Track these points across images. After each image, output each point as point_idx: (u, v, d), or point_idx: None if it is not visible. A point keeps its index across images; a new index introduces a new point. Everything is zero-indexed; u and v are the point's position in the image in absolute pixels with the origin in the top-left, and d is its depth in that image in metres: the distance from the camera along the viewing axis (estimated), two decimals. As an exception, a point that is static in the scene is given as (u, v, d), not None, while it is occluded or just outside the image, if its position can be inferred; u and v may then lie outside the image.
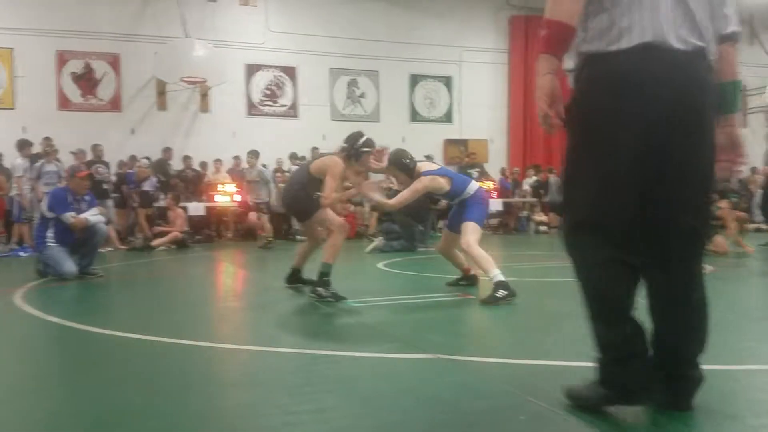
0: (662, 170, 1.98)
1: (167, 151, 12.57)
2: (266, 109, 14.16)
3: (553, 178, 14.25)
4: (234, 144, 13.16)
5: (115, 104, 13.11)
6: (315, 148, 12.30)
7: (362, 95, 14.94)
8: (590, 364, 2.09)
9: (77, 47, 12.79)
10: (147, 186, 11.04)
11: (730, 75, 2.10)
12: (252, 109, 14.05)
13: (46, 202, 6.54)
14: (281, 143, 12.98)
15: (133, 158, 12.11)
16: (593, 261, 2.05)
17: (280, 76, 14.23)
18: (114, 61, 13.08)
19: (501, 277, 4.40)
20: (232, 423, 2.13)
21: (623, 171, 1.97)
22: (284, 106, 14.29)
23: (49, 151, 10.23)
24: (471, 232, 4.68)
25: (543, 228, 13.74)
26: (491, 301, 4.30)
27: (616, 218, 2.00)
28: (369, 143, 4.86)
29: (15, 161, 10.15)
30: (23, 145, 10.24)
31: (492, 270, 4.45)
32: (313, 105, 14.34)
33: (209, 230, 11.95)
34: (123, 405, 2.31)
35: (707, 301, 2.08)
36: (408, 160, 4.93)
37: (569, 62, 2.07)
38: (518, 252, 9.24)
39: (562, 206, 2.20)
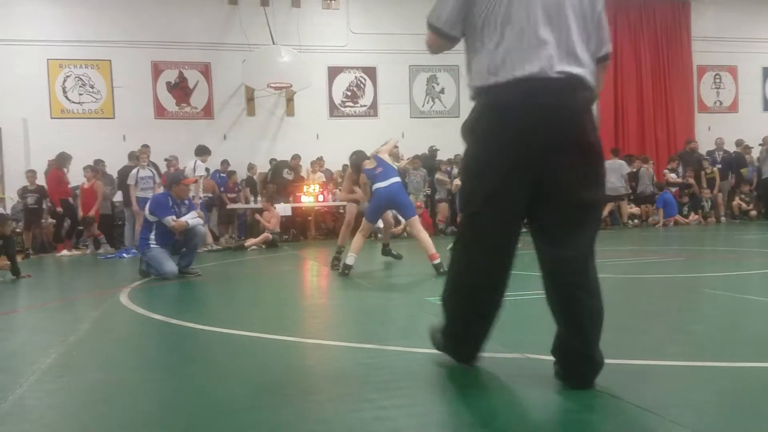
0: (544, 189, 2.22)
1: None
2: (347, 110, 14.40)
3: (644, 169, 13.65)
4: (317, 146, 13.50)
5: (207, 111, 13.73)
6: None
7: (442, 91, 14.89)
8: (688, 363, 2.01)
9: (171, 57, 13.48)
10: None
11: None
12: (334, 110, 14.33)
13: (149, 207, 6.90)
14: (362, 143, 13.06)
15: (225, 163, 12.65)
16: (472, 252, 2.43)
17: (360, 76, 14.44)
18: (205, 70, 13.69)
19: (350, 262, 6.03)
20: (328, 416, 2.22)
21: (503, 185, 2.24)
22: (364, 106, 14.49)
23: (139, 156, 10.81)
24: (361, 226, 6.31)
25: (633, 221, 13.20)
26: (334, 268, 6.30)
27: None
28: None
29: (196, 164, 10.70)
30: (202, 152, 10.86)
31: (351, 254, 6.10)
32: (393, 104, 14.44)
33: (294, 230, 12.31)
34: (228, 398, 2.44)
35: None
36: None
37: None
38: (611, 248, 8.94)
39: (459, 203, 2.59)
